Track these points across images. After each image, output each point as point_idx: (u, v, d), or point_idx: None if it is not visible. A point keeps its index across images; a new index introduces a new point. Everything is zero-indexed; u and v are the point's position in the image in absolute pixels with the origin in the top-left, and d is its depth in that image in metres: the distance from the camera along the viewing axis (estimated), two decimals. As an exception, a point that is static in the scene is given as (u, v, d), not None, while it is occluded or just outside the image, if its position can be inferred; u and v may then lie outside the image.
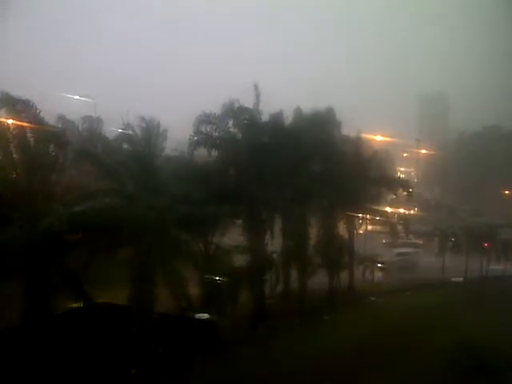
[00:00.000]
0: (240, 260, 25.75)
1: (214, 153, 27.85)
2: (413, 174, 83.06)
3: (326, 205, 31.72)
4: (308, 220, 31.32)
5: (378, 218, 39.19)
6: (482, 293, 34.15)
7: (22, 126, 18.26)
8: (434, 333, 24.46)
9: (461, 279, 38.70)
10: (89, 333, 18.84)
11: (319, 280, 31.70)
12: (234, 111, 27.83)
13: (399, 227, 39.25)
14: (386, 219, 38.81)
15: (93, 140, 33.80)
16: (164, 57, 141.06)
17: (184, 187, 21.69)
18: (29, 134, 18.43)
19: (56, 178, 19.40)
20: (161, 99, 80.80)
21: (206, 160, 27.85)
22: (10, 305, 18.24)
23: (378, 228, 45.05)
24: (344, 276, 34.58)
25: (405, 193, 37.88)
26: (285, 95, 40.42)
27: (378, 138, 55.33)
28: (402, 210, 43.71)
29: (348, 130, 34.62)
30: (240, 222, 27.69)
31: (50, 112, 21.84)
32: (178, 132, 27.35)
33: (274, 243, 28.54)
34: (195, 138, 27.12)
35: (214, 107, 27.40)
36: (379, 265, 39.09)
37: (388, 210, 41.09)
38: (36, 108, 18.65)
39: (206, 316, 19.79)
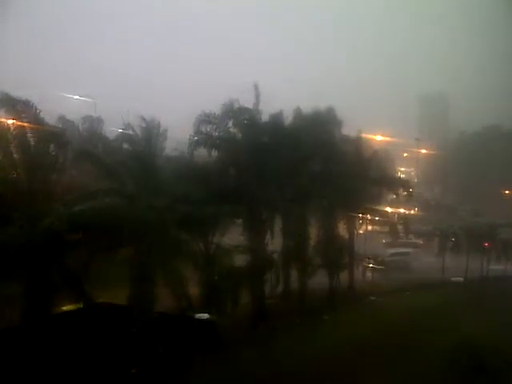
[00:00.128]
0: (240, 260, 25.72)
1: (214, 153, 27.88)
2: (413, 173, 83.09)
3: (326, 205, 31.75)
4: (308, 220, 31.35)
5: (377, 218, 39.22)
6: (482, 293, 34.17)
7: (22, 127, 18.27)
8: (434, 333, 24.44)
9: (461, 279, 38.54)
10: (89, 333, 18.86)
11: (319, 280, 31.69)
12: (234, 111, 27.83)
13: (399, 227, 39.27)
14: (386, 219, 38.85)
15: (93, 140, 33.86)
16: (164, 57, 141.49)
17: (184, 187, 21.72)
18: (29, 134, 18.42)
19: (56, 178, 19.36)
20: (161, 99, 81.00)
21: (206, 160, 27.87)
22: (10, 305, 18.23)
23: (378, 228, 45.07)
24: (344, 276, 34.56)
25: (405, 193, 37.87)
26: (285, 95, 40.63)
27: (378, 137, 55.49)
28: (402, 210, 43.65)
29: (348, 130, 34.72)
30: (240, 221, 27.69)
31: (50, 112, 21.82)
32: (177, 132, 27.38)
33: (274, 243, 28.54)
34: (195, 137, 27.13)
35: (214, 107, 27.46)
36: (370, 265, 39.10)
37: (388, 209, 41.10)
38: (36, 108, 18.65)
39: (206, 316, 19.74)
